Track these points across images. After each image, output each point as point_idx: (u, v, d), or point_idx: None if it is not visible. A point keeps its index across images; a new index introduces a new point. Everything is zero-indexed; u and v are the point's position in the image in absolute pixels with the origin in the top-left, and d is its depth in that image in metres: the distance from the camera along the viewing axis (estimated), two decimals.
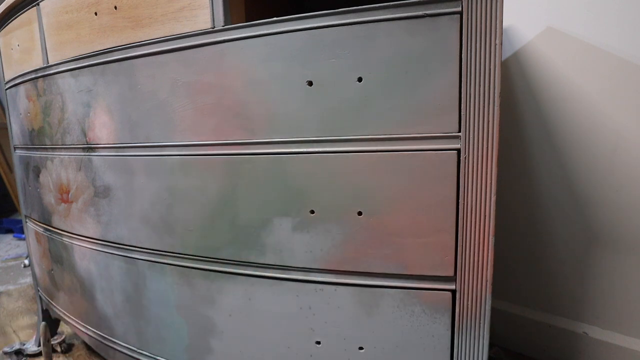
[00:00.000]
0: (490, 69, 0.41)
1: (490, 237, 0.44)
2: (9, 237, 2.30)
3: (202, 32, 0.54)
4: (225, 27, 0.52)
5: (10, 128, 0.95)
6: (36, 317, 1.22)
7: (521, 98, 0.90)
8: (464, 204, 0.44)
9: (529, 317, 0.95)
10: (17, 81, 0.85)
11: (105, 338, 0.78)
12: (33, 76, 0.78)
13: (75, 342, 1.09)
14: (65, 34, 0.69)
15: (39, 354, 1.04)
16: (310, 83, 0.48)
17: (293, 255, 0.53)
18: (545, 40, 0.85)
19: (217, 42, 0.53)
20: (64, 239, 0.81)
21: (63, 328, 1.11)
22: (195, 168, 0.57)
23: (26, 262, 1.16)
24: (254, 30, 0.50)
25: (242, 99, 0.52)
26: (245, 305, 0.58)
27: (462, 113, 0.43)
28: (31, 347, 1.04)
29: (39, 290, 1.02)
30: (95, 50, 0.65)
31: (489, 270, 0.45)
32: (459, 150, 0.44)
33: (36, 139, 0.83)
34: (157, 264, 0.65)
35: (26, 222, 0.99)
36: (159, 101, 0.59)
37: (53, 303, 0.94)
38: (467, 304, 0.46)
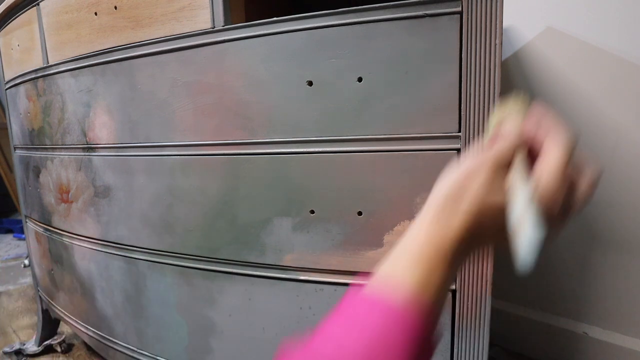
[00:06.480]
0: (490, 69, 0.41)
1: None
2: (9, 237, 2.29)
3: (202, 32, 0.54)
4: (225, 27, 0.52)
5: (10, 128, 0.95)
6: (36, 317, 1.22)
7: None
8: None
9: (529, 317, 0.95)
10: (17, 81, 0.85)
11: (105, 338, 0.78)
12: (33, 76, 0.78)
13: (75, 342, 1.09)
14: (65, 34, 0.69)
15: (39, 354, 1.04)
16: (310, 83, 0.48)
17: (293, 255, 0.53)
18: (545, 40, 0.85)
19: (217, 42, 0.53)
20: (64, 239, 0.81)
21: (63, 328, 1.11)
22: (196, 168, 0.57)
23: (26, 262, 1.16)
24: (254, 30, 0.50)
25: (242, 99, 0.52)
26: (245, 305, 0.58)
27: (462, 113, 0.43)
28: (31, 347, 1.04)
29: (39, 290, 1.02)
30: (95, 50, 0.65)
31: (489, 270, 0.45)
32: (459, 150, 0.44)
33: (36, 139, 0.83)
34: (157, 264, 0.65)
35: (26, 222, 0.99)
36: (159, 101, 0.59)
37: (53, 303, 0.94)
38: (467, 304, 0.46)
